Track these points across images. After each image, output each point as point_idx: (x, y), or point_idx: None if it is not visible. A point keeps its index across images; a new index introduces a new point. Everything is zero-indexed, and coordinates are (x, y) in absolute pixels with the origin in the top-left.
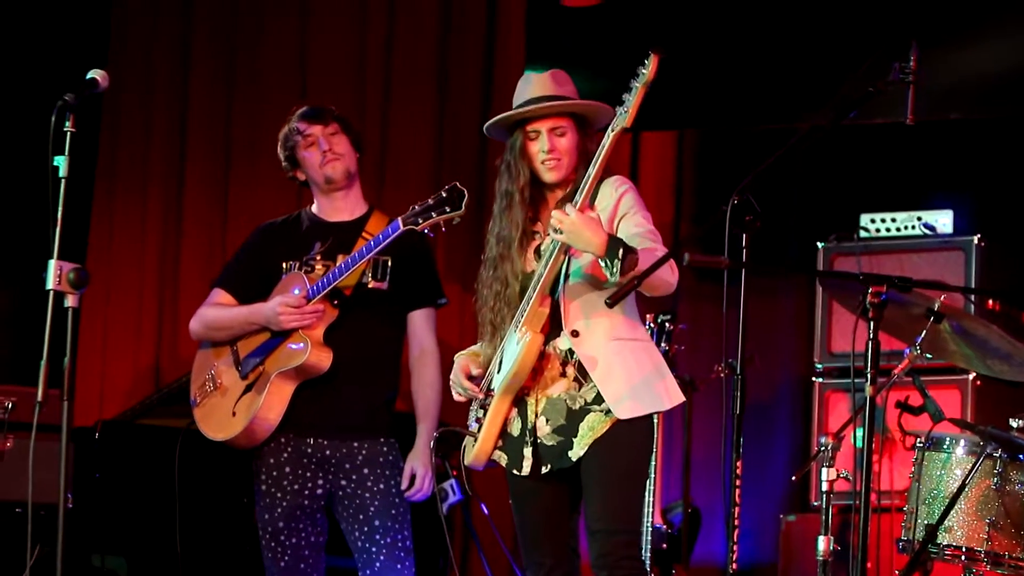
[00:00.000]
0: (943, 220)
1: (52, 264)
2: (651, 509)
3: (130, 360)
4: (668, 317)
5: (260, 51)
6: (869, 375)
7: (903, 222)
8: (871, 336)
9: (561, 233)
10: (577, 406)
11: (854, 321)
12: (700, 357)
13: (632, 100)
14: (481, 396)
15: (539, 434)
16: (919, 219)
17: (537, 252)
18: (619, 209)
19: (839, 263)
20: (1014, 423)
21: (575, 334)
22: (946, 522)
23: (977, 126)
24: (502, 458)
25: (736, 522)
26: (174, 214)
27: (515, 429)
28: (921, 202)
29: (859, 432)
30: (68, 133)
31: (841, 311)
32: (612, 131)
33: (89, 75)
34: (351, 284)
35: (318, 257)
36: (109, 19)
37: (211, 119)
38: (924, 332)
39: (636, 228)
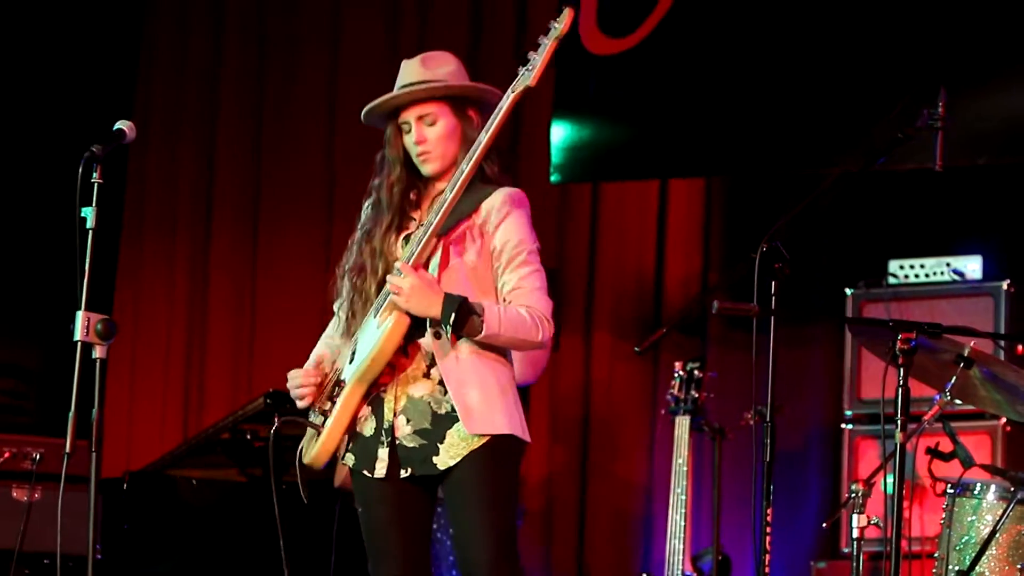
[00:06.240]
0: (972, 266)
1: (80, 315)
2: (681, 556)
3: (158, 410)
4: (697, 364)
5: (290, 91)
6: (899, 421)
7: (932, 268)
8: (901, 382)
9: (401, 299)
10: (443, 411)
11: (884, 367)
12: (729, 405)
13: (540, 57)
14: (314, 388)
15: (397, 434)
16: (948, 265)
17: (406, 240)
18: (496, 239)
19: (868, 310)
20: None
21: (437, 336)
22: (977, 568)
23: (1006, 171)
24: (349, 459)
25: (767, 569)
26: (201, 263)
27: (368, 429)
28: (950, 248)
29: (889, 478)
30: (95, 184)
31: (870, 357)
32: (512, 92)
33: (116, 126)
34: None
35: None
36: (136, 67)
37: (239, 167)
38: (954, 378)
39: (516, 284)
